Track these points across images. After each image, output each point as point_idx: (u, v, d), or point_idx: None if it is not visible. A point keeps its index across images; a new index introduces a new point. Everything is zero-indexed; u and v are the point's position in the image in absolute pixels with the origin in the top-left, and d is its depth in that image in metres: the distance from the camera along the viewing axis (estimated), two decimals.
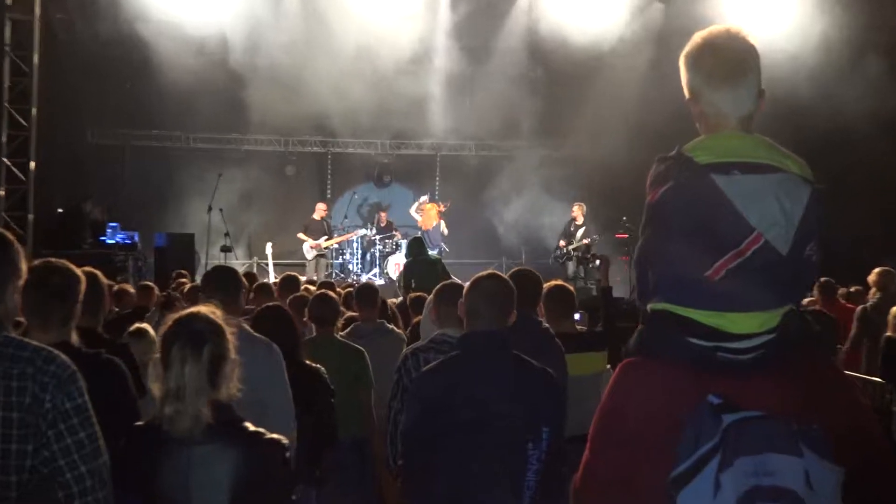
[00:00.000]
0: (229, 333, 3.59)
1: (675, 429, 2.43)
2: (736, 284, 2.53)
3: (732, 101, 2.68)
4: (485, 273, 4.29)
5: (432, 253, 16.40)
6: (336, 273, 20.02)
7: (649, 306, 2.67)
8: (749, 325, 2.56)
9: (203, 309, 3.61)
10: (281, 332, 5.54)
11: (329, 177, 22.58)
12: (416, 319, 7.33)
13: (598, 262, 8.59)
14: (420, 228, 20.19)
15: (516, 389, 4.06)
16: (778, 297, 2.60)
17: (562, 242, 18.04)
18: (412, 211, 20.67)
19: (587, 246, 17.40)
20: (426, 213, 20.26)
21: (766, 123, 2.76)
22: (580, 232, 17.68)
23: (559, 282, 6.35)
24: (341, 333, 7.09)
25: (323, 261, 19.59)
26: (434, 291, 5.37)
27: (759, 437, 2.37)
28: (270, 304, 6.11)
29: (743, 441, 2.37)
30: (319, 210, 19.79)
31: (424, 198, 21.01)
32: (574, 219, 17.99)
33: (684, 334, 2.57)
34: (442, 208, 20.35)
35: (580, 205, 17.97)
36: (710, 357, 2.56)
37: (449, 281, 5.67)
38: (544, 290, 5.87)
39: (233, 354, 3.58)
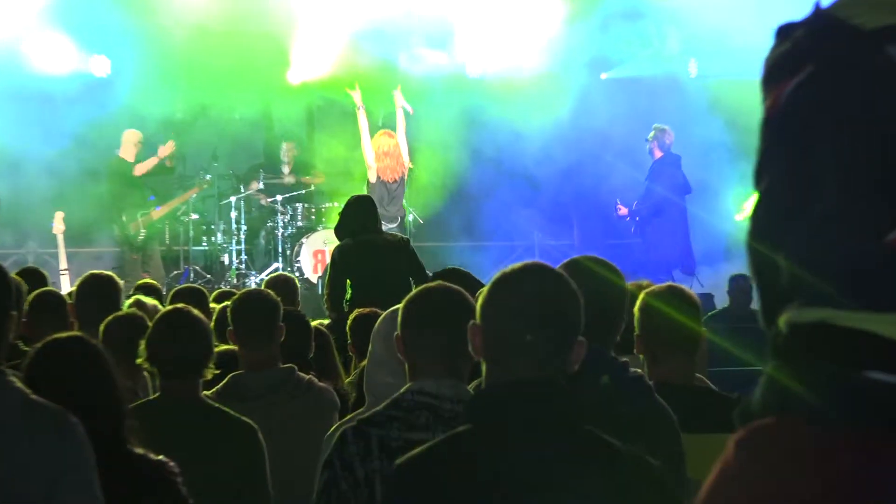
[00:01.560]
0: None
1: None
2: None
3: None
4: (517, 267, 3.13)
5: (390, 227, 12.40)
6: (190, 273, 15.90)
7: (787, 319, 2.04)
8: None
9: None
10: (87, 392, 3.96)
11: None
12: (361, 363, 5.41)
13: None
14: (375, 179, 13.77)
15: (589, 500, 3.00)
16: None
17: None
18: (364, 144, 14.02)
19: None
20: (384, 148, 13.79)
21: None
22: None
23: (673, 285, 4.91)
24: (208, 393, 5.17)
25: (154, 247, 15.43)
26: (403, 305, 3.84)
27: None
28: (62, 334, 4.30)
29: None
30: (133, 138, 15.24)
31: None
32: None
33: (867, 367, 1.94)
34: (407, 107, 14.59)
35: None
36: None
37: (428, 285, 4.05)
38: (640, 303, 4.56)
39: None
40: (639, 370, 4.20)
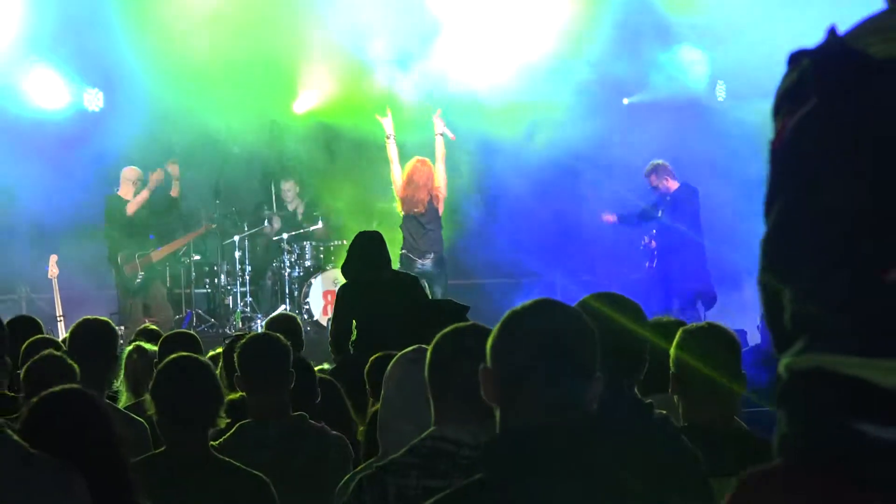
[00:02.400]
0: None
1: None
2: None
3: None
4: (526, 304, 3.12)
5: (423, 265, 13.20)
6: (192, 317, 16.01)
7: (786, 364, 2.07)
8: None
9: None
10: (86, 446, 4.01)
11: None
12: (373, 408, 5.33)
13: None
14: (402, 211, 13.86)
15: None
16: None
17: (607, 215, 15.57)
18: (394, 175, 14.00)
19: None
20: (411, 176, 13.73)
21: None
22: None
23: (712, 323, 4.86)
24: (214, 444, 5.09)
25: (158, 288, 15.43)
26: (431, 346, 3.78)
27: None
28: (58, 387, 4.29)
29: None
30: (132, 175, 15.30)
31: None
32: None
33: (858, 416, 1.99)
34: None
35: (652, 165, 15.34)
36: None
37: (458, 325, 3.90)
38: (677, 340, 4.58)
39: None
40: (664, 412, 4.21)
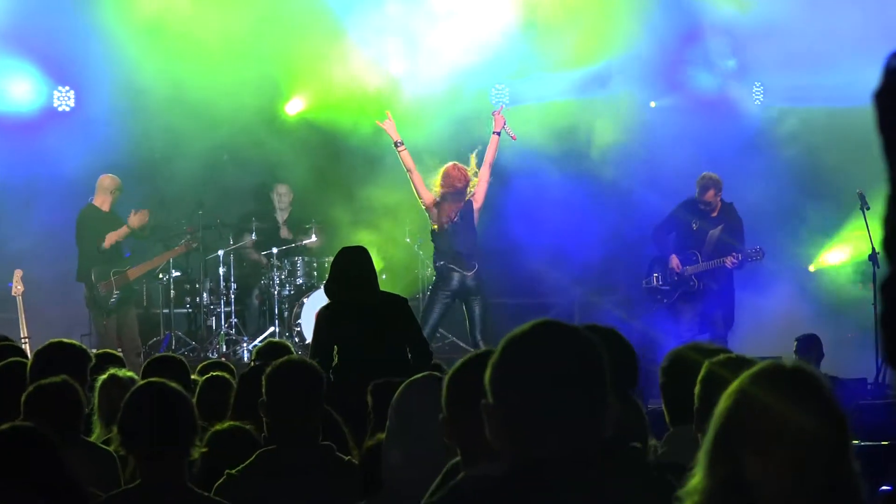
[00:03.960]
0: None
1: None
2: None
3: None
4: (525, 328, 3.11)
5: (466, 278, 13.18)
6: (170, 339, 16.22)
7: None
8: None
9: None
10: (40, 486, 4.28)
11: None
12: (371, 441, 5.29)
13: None
14: (435, 224, 13.65)
15: None
16: None
17: (676, 262, 15.17)
18: (416, 185, 13.66)
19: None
20: (454, 178, 13.45)
21: None
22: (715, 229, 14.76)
23: (742, 355, 4.79)
24: (232, 472, 5.22)
25: (131, 310, 15.25)
26: (448, 379, 3.72)
27: None
28: (8, 425, 4.50)
29: None
30: (108, 184, 15.26)
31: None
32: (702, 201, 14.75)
33: None
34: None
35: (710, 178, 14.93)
36: None
37: (478, 351, 3.83)
38: (704, 372, 4.54)
39: None
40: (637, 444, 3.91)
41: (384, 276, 15.56)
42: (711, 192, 14.36)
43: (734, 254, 14.29)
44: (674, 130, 17.16)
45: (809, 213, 16.40)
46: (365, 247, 10.37)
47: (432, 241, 13.58)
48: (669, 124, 17.30)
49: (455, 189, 13.27)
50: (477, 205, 13.41)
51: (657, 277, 14.89)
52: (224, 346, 15.78)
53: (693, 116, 17.43)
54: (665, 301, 14.86)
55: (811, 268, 16.50)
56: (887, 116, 2.19)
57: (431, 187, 13.40)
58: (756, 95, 17.60)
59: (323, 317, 9.77)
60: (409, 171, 13.54)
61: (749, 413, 2.89)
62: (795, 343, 11.97)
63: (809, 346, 11.79)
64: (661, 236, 14.94)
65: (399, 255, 16.38)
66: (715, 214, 14.44)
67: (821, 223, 16.51)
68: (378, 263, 15.74)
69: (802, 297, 15.79)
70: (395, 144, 13.60)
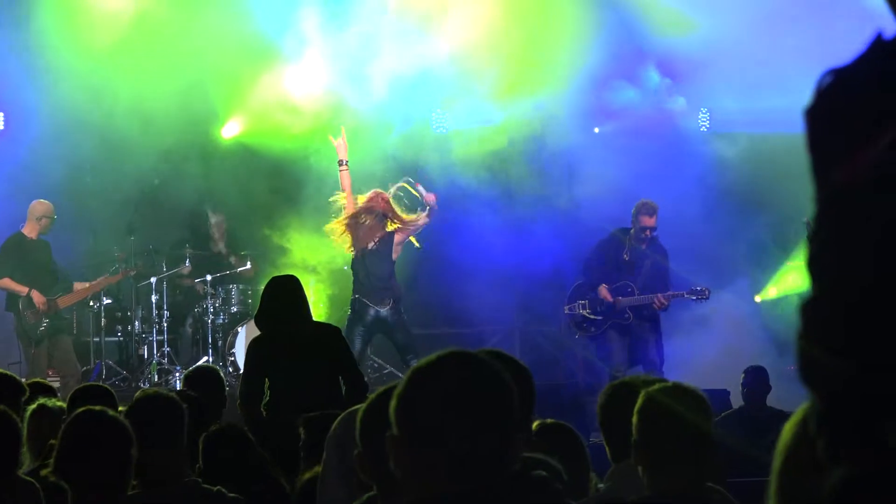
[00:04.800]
0: None
1: None
2: None
3: None
4: (432, 359, 3.11)
5: (378, 311, 13.15)
6: (101, 368, 16.01)
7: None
8: None
9: None
10: None
11: None
12: (307, 473, 5.42)
13: None
14: (356, 247, 13.61)
15: None
16: None
17: (605, 292, 14.80)
18: (348, 203, 13.74)
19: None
20: (374, 202, 13.55)
21: None
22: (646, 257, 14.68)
23: (678, 383, 4.82)
24: None
25: (64, 339, 14.95)
26: (363, 410, 3.74)
27: None
28: None
29: None
30: (37, 211, 14.99)
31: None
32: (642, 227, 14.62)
33: None
34: (429, 199, 13.89)
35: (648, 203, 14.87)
36: None
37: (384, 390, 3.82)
38: (640, 403, 4.57)
39: None
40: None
41: (321, 305, 15.81)
42: (651, 219, 14.32)
43: (664, 295, 14.31)
44: (617, 157, 17.20)
45: (755, 242, 16.51)
46: (296, 276, 10.34)
47: (352, 268, 13.51)
48: (613, 150, 17.35)
49: (372, 210, 13.27)
50: (399, 237, 13.39)
51: (582, 305, 14.74)
52: (156, 376, 15.64)
53: (637, 141, 17.51)
54: (594, 330, 14.71)
55: (757, 298, 16.59)
56: (817, 134, 2.17)
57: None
58: (702, 122, 17.69)
59: (253, 349, 9.71)
60: (343, 190, 13.55)
61: None
62: (743, 376, 11.98)
63: (757, 379, 11.86)
64: (590, 265, 14.81)
65: (336, 282, 16.24)
66: (644, 246, 14.38)
67: (767, 253, 16.62)
68: (317, 291, 15.92)
69: (748, 328, 15.86)
70: (339, 163, 13.65)
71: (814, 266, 2.11)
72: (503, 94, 16.82)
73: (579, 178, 17.35)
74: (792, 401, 13.35)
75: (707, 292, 14.34)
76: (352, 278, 13.57)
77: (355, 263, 13.41)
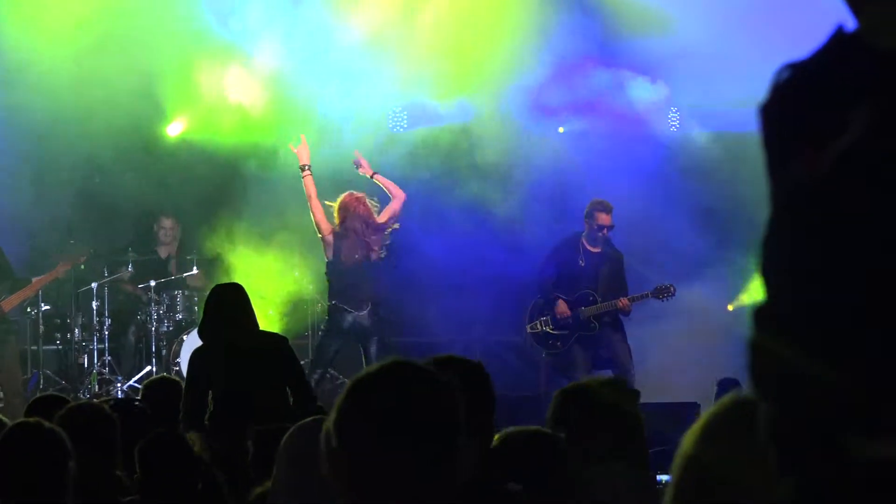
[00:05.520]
0: None
1: None
2: None
3: None
4: (372, 370, 3.35)
5: (356, 317, 13.35)
6: (39, 378, 16.11)
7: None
8: None
9: None
10: None
11: None
12: (258, 489, 5.42)
13: None
14: (330, 256, 13.86)
15: None
16: None
17: (563, 307, 14.67)
18: (315, 213, 13.84)
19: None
20: (352, 206, 13.73)
21: None
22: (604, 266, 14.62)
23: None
24: None
25: (11, 345, 14.79)
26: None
27: None
28: None
29: None
30: None
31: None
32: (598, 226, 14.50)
33: None
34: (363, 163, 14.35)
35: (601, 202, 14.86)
36: None
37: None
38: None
39: None
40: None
41: (270, 312, 16.00)
42: (607, 216, 14.28)
43: (628, 297, 14.38)
44: (584, 156, 17.50)
45: (727, 248, 16.62)
46: (240, 284, 10.54)
47: (326, 275, 13.76)
48: (578, 150, 17.61)
49: (356, 214, 13.45)
50: (384, 218, 13.67)
51: (545, 322, 14.73)
52: (97, 386, 15.77)
53: (603, 142, 17.76)
54: (560, 345, 14.69)
55: (730, 307, 16.66)
56: (772, 130, 2.32)
57: (331, 219, 13.63)
58: (672, 121, 17.83)
59: (196, 360, 9.87)
60: (309, 197, 13.74)
61: None
62: (716, 387, 12.03)
63: (730, 389, 11.80)
64: (545, 279, 14.78)
65: (287, 289, 16.55)
66: (600, 248, 14.34)
67: (739, 259, 16.74)
68: (267, 298, 16.05)
69: (721, 337, 15.94)
70: (302, 168, 13.80)
71: (770, 264, 2.24)
72: (462, 93, 17.10)
73: (543, 181, 17.51)
74: None
75: (672, 289, 14.43)
76: (321, 285, 14.12)
77: (332, 272, 13.62)
